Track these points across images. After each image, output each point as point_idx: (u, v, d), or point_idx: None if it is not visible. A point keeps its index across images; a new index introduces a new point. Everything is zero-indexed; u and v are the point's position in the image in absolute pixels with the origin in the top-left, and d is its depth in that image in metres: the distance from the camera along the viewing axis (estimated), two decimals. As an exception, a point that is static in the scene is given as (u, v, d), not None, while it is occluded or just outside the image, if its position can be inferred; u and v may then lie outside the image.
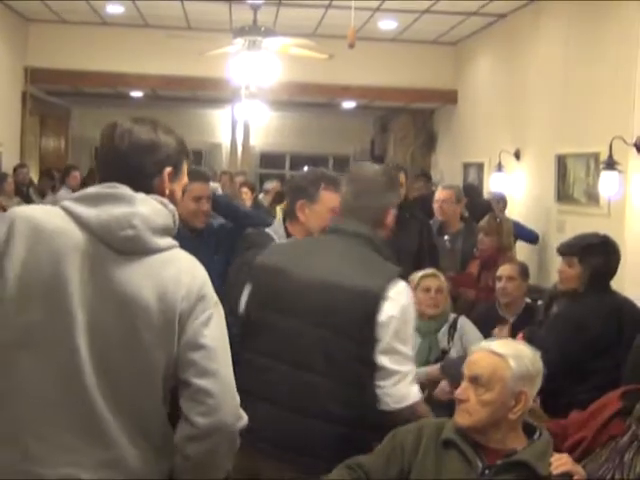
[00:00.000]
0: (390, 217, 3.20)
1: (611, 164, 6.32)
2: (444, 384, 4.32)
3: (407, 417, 2.93)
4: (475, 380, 2.72)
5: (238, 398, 2.26)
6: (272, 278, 3.09)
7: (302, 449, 2.94)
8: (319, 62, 9.09)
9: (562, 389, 3.96)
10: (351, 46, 6.39)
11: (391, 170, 3.48)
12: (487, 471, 2.65)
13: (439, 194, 6.81)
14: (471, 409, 2.70)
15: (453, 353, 4.63)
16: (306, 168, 15.55)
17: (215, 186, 5.14)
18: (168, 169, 2.35)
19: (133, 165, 2.29)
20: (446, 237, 6.71)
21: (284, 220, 3.85)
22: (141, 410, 2.22)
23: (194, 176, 3.88)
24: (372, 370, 2.94)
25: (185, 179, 2.45)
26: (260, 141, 15.16)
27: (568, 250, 4.50)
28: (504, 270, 5.59)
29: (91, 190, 2.25)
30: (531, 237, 8.17)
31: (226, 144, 15.05)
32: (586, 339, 4.17)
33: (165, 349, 2.20)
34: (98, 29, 11.32)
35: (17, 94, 11.27)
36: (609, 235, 4.56)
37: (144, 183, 2.29)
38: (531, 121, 8.99)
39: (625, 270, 6.28)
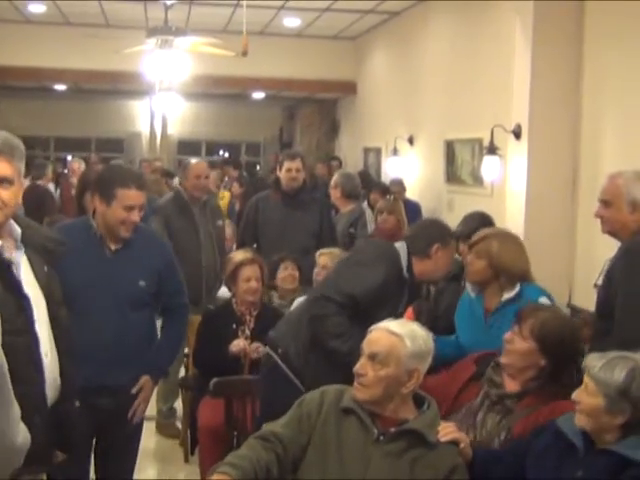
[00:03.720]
0: None
1: (492, 150, 6.38)
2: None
3: None
4: (373, 357, 2.73)
5: (20, 441, 1.89)
6: None
7: None
8: (229, 57, 8.99)
9: None
10: (244, 54, 6.28)
11: None
12: (382, 437, 2.67)
13: None
14: (368, 383, 2.71)
15: None
16: (221, 153, 15.57)
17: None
18: None
19: None
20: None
21: None
22: None
23: (127, 181, 3.45)
24: None
25: None
26: (177, 129, 15.01)
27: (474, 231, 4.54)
28: None
29: None
30: None
31: (145, 133, 14.86)
32: None
33: None
34: (21, 27, 11.01)
35: (-57, 89, 10.90)
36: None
37: None
38: (423, 109, 9.05)
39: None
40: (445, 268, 3.82)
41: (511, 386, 2.98)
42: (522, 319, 3.01)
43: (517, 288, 3.65)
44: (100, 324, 3.38)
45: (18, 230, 2.66)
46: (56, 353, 2.74)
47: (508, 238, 3.84)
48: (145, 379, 3.65)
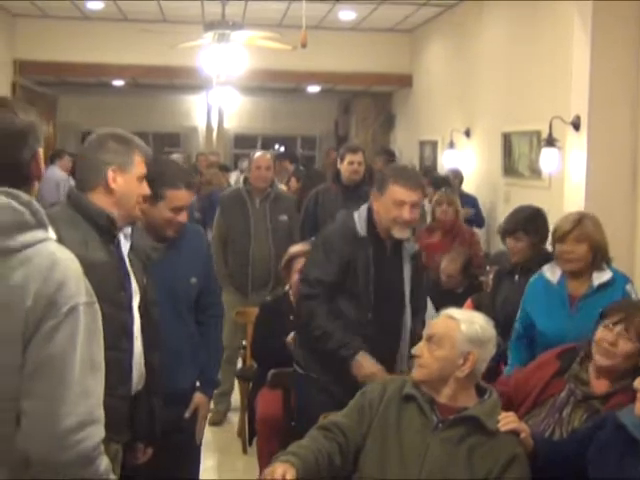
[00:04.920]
0: None
1: (551, 141, 6.34)
2: None
3: None
4: (430, 338, 2.80)
5: (69, 424, 1.72)
6: None
7: None
8: (286, 50, 9.05)
9: None
10: (303, 46, 6.35)
11: None
12: (441, 425, 2.70)
13: None
14: (424, 363, 2.77)
15: None
16: (277, 146, 15.65)
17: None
18: (40, 150, 1.92)
19: (6, 159, 1.83)
20: None
21: None
22: None
23: (176, 181, 3.24)
24: None
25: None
26: (233, 124, 15.11)
27: (513, 227, 4.38)
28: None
29: None
30: (479, 222, 8.02)
31: (202, 127, 14.98)
32: None
33: (9, 368, 1.74)
34: (80, 23, 11.22)
35: (7, 85, 11.12)
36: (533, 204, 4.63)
37: (21, 174, 1.86)
38: (479, 102, 9.00)
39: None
40: (385, 216, 3.65)
41: (598, 386, 2.95)
42: (627, 319, 2.93)
43: (609, 272, 3.63)
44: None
45: (128, 228, 2.79)
46: (141, 344, 2.80)
47: (594, 217, 3.79)
48: (200, 398, 3.52)
